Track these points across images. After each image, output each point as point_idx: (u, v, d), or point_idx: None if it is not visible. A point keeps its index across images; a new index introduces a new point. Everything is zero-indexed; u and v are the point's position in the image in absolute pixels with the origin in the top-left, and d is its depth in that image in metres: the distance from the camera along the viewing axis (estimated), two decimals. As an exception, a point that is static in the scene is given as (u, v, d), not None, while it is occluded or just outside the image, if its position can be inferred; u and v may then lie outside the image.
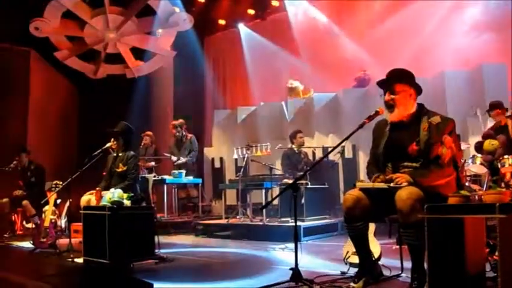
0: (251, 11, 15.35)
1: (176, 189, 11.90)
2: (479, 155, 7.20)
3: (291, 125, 12.19)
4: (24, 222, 10.13)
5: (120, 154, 7.46)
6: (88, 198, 7.13)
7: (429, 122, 4.53)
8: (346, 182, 10.71)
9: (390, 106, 4.66)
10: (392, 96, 4.64)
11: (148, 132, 12.47)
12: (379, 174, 4.67)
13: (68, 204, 8.75)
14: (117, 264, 6.07)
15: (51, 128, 13.85)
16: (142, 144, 12.16)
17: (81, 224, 6.77)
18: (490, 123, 8.77)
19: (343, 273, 5.24)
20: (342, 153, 10.12)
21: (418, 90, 4.70)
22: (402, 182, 4.32)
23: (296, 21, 14.40)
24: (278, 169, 10.52)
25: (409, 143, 4.54)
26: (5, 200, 10.01)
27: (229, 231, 9.86)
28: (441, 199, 4.09)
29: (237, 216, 10.06)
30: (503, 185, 5.91)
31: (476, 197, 4.29)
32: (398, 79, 4.66)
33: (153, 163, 11.61)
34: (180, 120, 12.19)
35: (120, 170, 7.32)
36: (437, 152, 4.31)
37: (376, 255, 5.04)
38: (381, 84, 4.79)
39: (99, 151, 7.33)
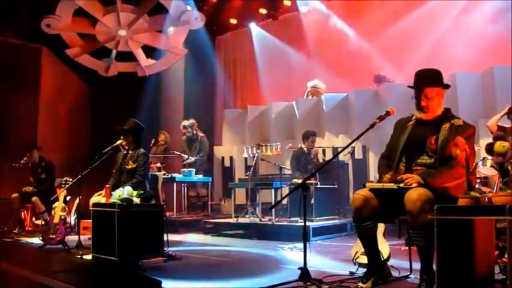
0: (263, 11, 15.35)
1: (186, 188, 11.91)
2: (490, 157, 7.16)
3: (302, 124, 12.15)
4: (33, 219, 10.17)
5: (130, 152, 7.47)
6: (97, 199, 7.10)
7: (451, 123, 4.57)
8: (356, 183, 10.68)
9: (425, 110, 4.65)
10: (429, 102, 4.61)
11: (165, 132, 12.53)
12: (387, 171, 4.69)
13: (77, 201, 8.78)
14: (126, 261, 6.09)
15: (62, 125, 13.90)
16: (153, 141, 12.18)
17: (90, 220, 6.79)
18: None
19: (351, 273, 5.24)
20: (352, 153, 10.10)
21: (447, 87, 4.71)
22: (412, 183, 4.32)
23: (308, 21, 14.38)
24: (288, 169, 10.53)
25: (429, 136, 4.59)
26: (14, 195, 10.06)
27: (238, 230, 9.87)
28: (451, 200, 4.09)
29: (246, 216, 10.05)
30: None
31: (486, 199, 4.27)
32: (433, 83, 4.64)
33: (158, 164, 11.60)
34: (191, 120, 12.23)
35: (129, 167, 7.33)
36: (452, 150, 4.31)
37: (385, 256, 5.03)
38: (413, 86, 4.74)
39: (109, 148, 7.34)
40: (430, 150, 4.55)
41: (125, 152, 7.54)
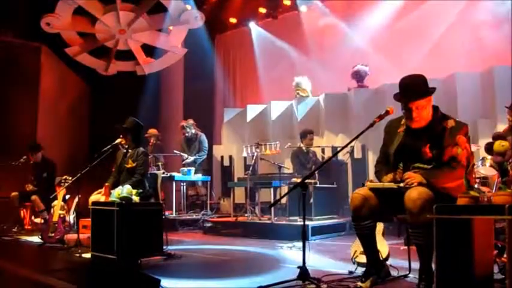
0: (262, 10, 15.30)
1: (185, 187, 11.90)
2: (489, 157, 7.14)
3: (301, 123, 12.14)
4: (33, 217, 10.16)
5: (130, 150, 7.46)
6: (96, 198, 7.10)
7: (443, 126, 4.51)
8: (355, 182, 10.65)
9: (417, 120, 4.56)
10: (420, 113, 4.50)
11: (151, 131, 12.44)
12: (388, 172, 4.66)
13: (76, 199, 8.78)
14: (125, 260, 6.08)
15: (61, 124, 13.89)
16: (150, 143, 12.19)
17: (89, 219, 6.79)
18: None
19: (350, 272, 5.24)
20: (351, 153, 10.09)
21: (433, 91, 4.61)
22: (413, 182, 4.30)
23: (308, 20, 14.37)
24: (287, 168, 10.52)
25: (423, 145, 4.51)
26: (14, 194, 10.05)
27: (237, 229, 9.86)
28: (450, 200, 4.09)
29: (245, 215, 10.06)
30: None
31: (486, 198, 4.27)
32: (422, 95, 4.52)
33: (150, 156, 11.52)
34: (190, 121, 12.21)
35: (129, 166, 7.33)
36: (451, 153, 4.31)
37: (384, 255, 5.03)
38: (401, 100, 4.65)
39: (108, 147, 7.33)
40: (426, 159, 4.48)
41: (125, 150, 7.54)
